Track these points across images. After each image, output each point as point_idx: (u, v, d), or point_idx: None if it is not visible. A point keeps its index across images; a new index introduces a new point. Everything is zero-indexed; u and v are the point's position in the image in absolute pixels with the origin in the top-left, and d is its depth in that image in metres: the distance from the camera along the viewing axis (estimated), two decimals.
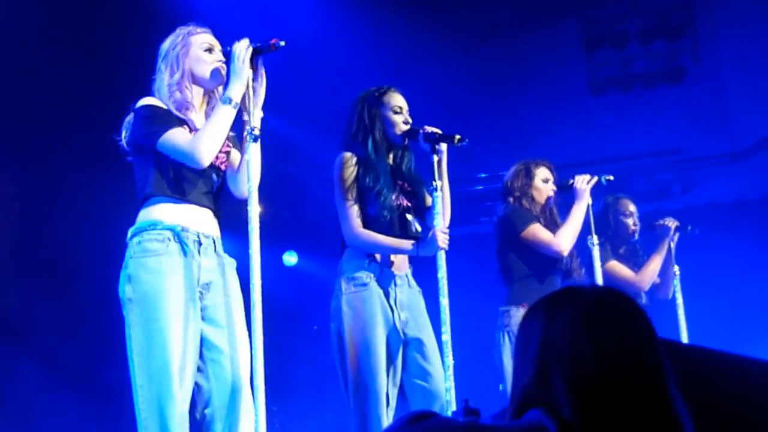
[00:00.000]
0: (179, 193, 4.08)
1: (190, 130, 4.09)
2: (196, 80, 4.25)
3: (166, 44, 4.30)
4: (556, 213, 5.90)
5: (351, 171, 4.76)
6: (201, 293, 4.05)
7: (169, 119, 4.09)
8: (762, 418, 2.38)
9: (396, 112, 4.87)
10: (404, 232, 4.78)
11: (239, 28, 4.34)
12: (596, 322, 1.89)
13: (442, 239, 4.63)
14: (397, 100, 4.91)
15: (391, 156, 4.93)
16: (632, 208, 6.66)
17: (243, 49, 4.11)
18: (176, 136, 4.03)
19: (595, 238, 5.81)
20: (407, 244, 4.73)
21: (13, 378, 5.74)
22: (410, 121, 4.88)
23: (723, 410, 2.37)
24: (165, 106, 4.14)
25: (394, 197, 4.77)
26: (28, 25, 6.29)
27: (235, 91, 4.07)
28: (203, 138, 4.02)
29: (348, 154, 4.79)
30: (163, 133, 4.04)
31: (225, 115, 4.05)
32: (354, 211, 4.73)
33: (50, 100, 6.27)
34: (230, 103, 4.06)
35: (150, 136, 4.06)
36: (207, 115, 4.27)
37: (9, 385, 5.72)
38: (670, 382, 1.88)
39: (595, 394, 1.82)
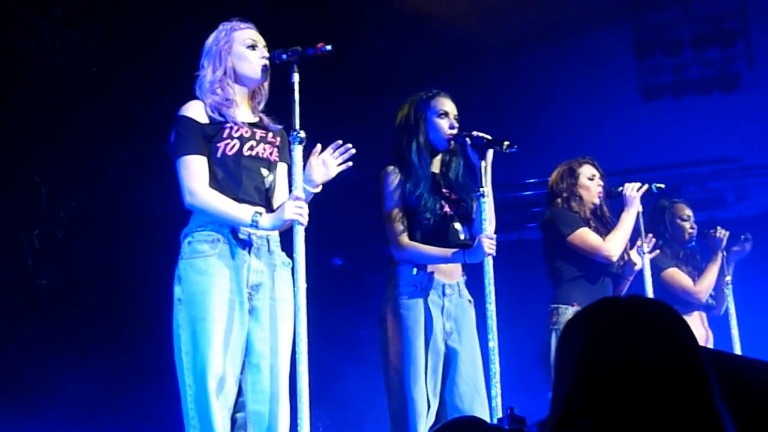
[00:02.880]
0: (230, 193, 4.12)
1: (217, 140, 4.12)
2: (238, 78, 4.29)
3: (209, 41, 4.34)
4: (607, 212, 5.87)
5: (394, 184, 4.78)
6: (250, 294, 4.09)
7: (194, 139, 4.13)
8: None
9: (441, 116, 4.90)
10: (449, 239, 4.80)
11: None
12: (636, 332, 1.90)
13: (489, 245, 4.64)
14: (445, 104, 4.92)
15: (437, 162, 4.94)
16: (688, 212, 6.65)
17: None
18: (188, 166, 4.10)
19: (646, 246, 5.79)
20: (453, 252, 4.75)
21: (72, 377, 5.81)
22: (456, 125, 4.89)
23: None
24: (198, 118, 4.17)
25: (437, 204, 4.78)
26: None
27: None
28: (205, 195, 4.07)
29: (391, 168, 4.82)
30: (180, 157, 4.12)
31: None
32: (398, 224, 4.76)
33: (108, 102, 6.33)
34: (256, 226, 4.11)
35: (172, 152, 4.16)
36: (253, 111, 4.32)
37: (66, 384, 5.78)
38: (715, 393, 1.89)
39: (638, 406, 1.83)
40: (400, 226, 4.75)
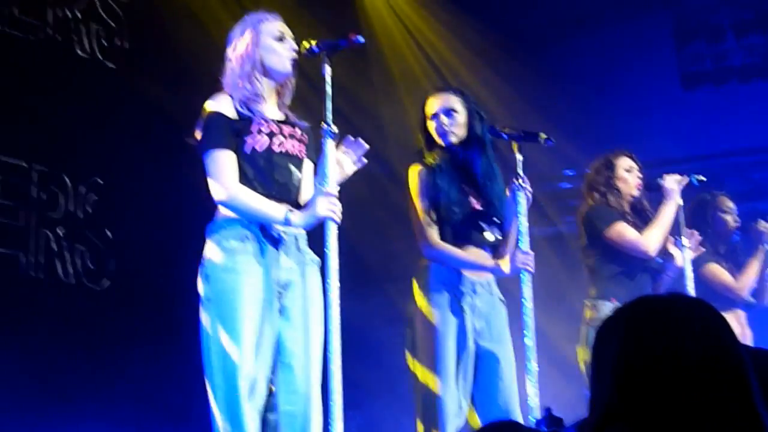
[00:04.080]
0: (261, 190, 4.08)
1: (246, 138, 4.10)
2: (266, 71, 4.22)
3: (235, 33, 4.27)
4: (647, 205, 5.83)
5: (421, 182, 4.78)
6: (280, 293, 4.08)
7: (223, 134, 4.10)
8: None
9: (431, 119, 4.91)
10: (477, 236, 4.79)
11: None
12: (675, 333, 1.87)
13: (522, 260, 4.64)
14: (433, 105, 4.94)
15: (460, 160, 4.92)
16: (731, 204, 6.58)
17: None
18: (217, 161, 4.07)
19: (686, 241, 5.74)
20: (486, 260, 4.75)
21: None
22: (447, 122, 4.87)
23: None
24: (226, 112, 4.12)
25: (464, 199, 4.78)
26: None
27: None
28: (236, 191, 4.04)
29: (416, 165, 4.83)
30: (209, 152, 4.09)
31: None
32: (430, 222, 4.75)
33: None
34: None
35: (200, 147, 4.13)
36: (279, 107, 4.30)
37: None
38: (756, 393, 1.87)
39: (678, 408, 1.81)
40: (431, 225, 4.75)
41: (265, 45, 4.22)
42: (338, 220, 4.02)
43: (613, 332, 1.96)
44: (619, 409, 1.86)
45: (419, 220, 4.77)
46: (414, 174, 4.83)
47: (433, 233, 4.74)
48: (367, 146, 4.22)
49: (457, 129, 4.87)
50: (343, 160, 4.15)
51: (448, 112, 4.88)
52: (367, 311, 7.27)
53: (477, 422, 4.70)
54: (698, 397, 1.81)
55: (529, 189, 4.77)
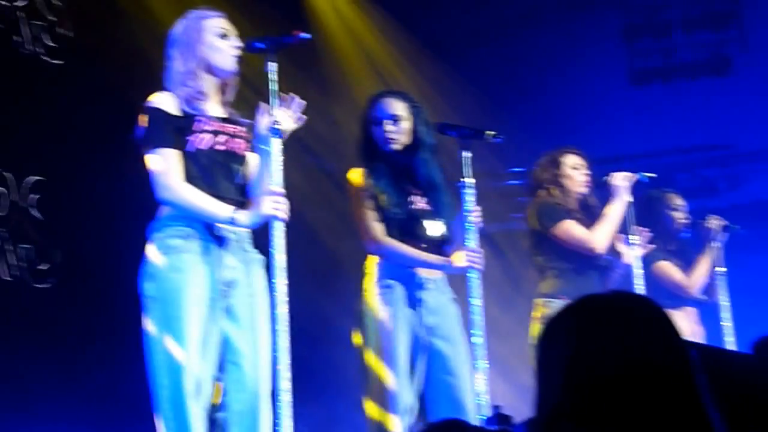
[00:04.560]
0: (205, 189, 4.06)
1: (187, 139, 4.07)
2: (210, 69, 4.19)
3: (178, 30, 4.24)
4: (596, 202, 5.85)
5: (364, 182, 4.77)
6: (225, 292, 4.06)
7: (166, 131, 4.06)
8: None
9: (379, 123, 4.87)
10: (420, 235, 4.79)
11: None
12: (617, 331, 1.88)
13: (470, 258, 4.65)
14: (384, 109, 4.90)
15: (402, 164, 4.91)
16: (680, 201, 6.62)
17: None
18: (162, 159, 4.03)
19: (635, 237, 5.77)
20: (435, 258, 4.75)
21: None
22: (393, 129, 4.84)
23: (759, 417, 2.37)
24: (169, 109, 4.09)
25: (405, 200, 4.78)
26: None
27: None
28: (182, 190, 4.01)
29: (358, 168, 4.82)
30: (153, 150, 4.05)
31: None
32: (372, 221, 4.75)
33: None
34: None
35: (144, 146, 4.08)
36: (223, 105, 4.26)
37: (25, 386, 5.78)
38: (700, 387, 1.88)
39: (625, 407, 1.81)
40: (375, 223, 4.75)
41: (209, 42, 4.19)
42: (284, 218, 4.01)
43: (558, 333, 1.96)
44: (565, 408, 1.86)
45: (364, 219, 4.76)
46: (355, 177, 4.82)
47: (379, 230, 4.74)
48: (304, 102, 4.19)
49: (402, 136, 4.85)
50: (282, 119, 4.12)
51: (394, 118, 4.86)
52: (317, 309, 7.27)
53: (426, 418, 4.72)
54: (642, 396, 1.82)
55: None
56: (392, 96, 4.97)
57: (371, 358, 4.68)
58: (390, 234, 4.75)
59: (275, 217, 4.00)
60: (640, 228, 5.83)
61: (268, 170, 4.10)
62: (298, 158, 7.23)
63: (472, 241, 4.72)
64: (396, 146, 4.85)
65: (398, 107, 4.88)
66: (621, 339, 1.86)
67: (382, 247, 4.74)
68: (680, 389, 1.85)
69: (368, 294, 4.75)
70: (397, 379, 4.61)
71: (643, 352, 1.85)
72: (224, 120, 4.21)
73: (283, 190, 4.06)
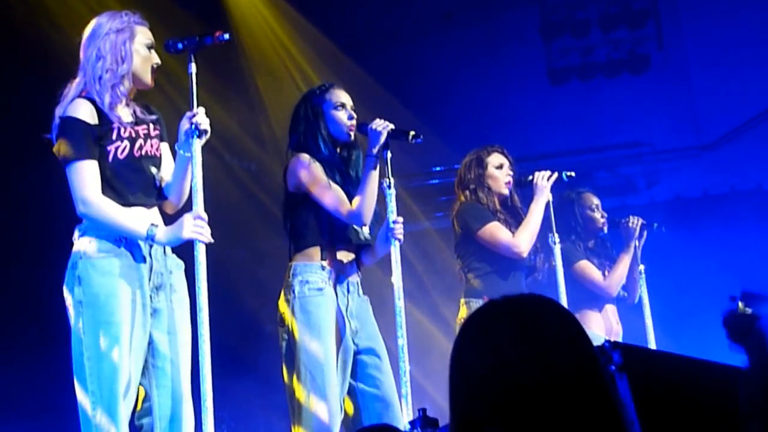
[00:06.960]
0: (123, 197, 4.04)
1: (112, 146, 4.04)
2: (133, 78, 4.14)
3: (105, 27, 4.15)
4: (518, 201, 5.87)
5: (319, 169, 4.73)
6: (151, 297, 4.06)
7: (85, 142, 4.00)
8: (712, 420, 2.47)
9: (338, 108, 4.86)
10: (351, 236, 4.80)
11: None
12: (531, 332, 1.92)
13: (399, 230, 4.66)
14: (340, 96, 4.87)
15: (343, 160, 4.89)
16: (597, 201, 6.67)
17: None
18: (80, 172, 3.98)
19: (556, 237, 5.83)
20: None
21: None
22: (354, 116, 4.87)
23: (675, 413, 2.45)
24: (86, 119, 4.03)
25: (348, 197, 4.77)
26: None
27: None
28: (100, 205, 3.97)
29: (307, 155, 4.78)
30: (72, 163, 3.99)
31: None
32: (336, 199, 4.71)
33: None
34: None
35: (62, 158, 4.03)
36: (134, 114, 4.19)
37: None
38: (610, 385, 1.93)
39: (538, 411, 1.85)
40: (338, 200, 4.69)
41: (140, 51, 4.15)
42: (206, 241, 4.02)
43: (471, 338, 1.99)
44: (482, 415, 1.89)
45: (334, 196, 4.72)
46: (308, 162, 4.72)
47: (346, 203, 4.68)
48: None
49: (352, 130, 4.86)
50: (202, 119, 4.07)
51: (352, 108, 4.88)
52: (240, 314, 7.27)
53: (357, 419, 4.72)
54: (556, 402, 1.86)
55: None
56: (336, 86, 4.97)
57: (300, 361, 4.62)
58: (324, 231, 4.72)
59: (197, 240, 3.99)
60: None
61: (185, 171, 4.12)
62: (220, 156, 7.27)
63: (393, 214, 4.69)
64: (348, 139, 4.85)
65: (350, 99, 4.91)
66: (529, 346, 1.90)
67: (353, 213, 4.68)
68: (590, 392, 1.89)
69: (295, 295, 4.65)
70: (329, 382, 4.57)
71: (554, 357, 1.89)
72: (135, 123, 4.17)
73: (205, 215, 4.04)
